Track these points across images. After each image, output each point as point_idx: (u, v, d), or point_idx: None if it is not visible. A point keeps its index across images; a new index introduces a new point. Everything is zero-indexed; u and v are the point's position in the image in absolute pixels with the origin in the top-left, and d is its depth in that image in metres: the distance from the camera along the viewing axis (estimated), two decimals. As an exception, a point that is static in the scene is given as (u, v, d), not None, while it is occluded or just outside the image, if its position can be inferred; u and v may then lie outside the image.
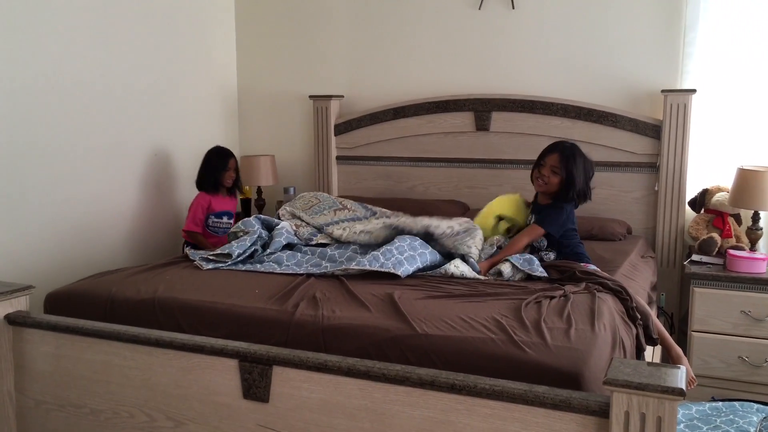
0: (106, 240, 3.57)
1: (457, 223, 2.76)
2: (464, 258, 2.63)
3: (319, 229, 3.11)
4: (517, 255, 2.62)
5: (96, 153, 3.47)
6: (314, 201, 3.36)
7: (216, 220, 3.64)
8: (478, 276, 2.56)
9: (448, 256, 2.68)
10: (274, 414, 1.93)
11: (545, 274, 2.52)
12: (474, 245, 2.66)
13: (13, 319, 2.26)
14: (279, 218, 3.24)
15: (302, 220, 3.21)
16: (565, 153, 2.75)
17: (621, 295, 2.36)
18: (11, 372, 2.30)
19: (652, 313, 2.56)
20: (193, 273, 2.63)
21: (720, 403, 2.64)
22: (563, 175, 2.71)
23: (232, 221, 3.69)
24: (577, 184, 2.72)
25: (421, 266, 2.57)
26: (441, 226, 2.72)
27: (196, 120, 4.18)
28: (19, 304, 2.31)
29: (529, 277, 2.54)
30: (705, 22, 3.43)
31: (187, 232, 3.58)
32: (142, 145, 3.78)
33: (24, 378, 2.30)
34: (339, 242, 2.96)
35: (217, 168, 3.62)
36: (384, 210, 3.34)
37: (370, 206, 3.36)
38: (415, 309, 2.12)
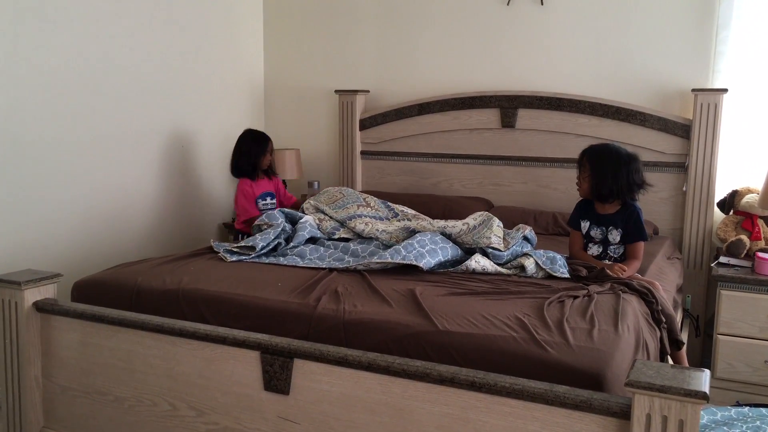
0: (134, 230, 3.62)
1: (471, 219, 2.77)
2: (485, 252, 2.62)
3: (342, 223, 3.12)
4: (541, 252, 2.59)
5: (124, 144, 3.52)
6: (338, 195, 3.38)
7: (262, 203, 3.69)
8: (500, 269, 2.55)
9: (469, 252, 2.67)
10: (294, 406, 1.94)
11: (566, 275, 2.50)
12: (493, 234, 2.63)
13: (41, 307, 2.31)
14: (303, 212, 3.26)
15: (325, 214, 3.22)
16: (586, 151, 2.72)
17: (646, 296, 2.33)
18: (39, 358, 2.35)
19: (677, 318, 2.53)
20: (217, 265, 2.66)
21: (746, 409, 2.59)
22: (590, 173, 2.68)
23: (275, 201, 3.77)
24: (606, 178, 2.64)
25: (442, 260, 2.57)
26: (457, 225, 2.74)
27: (222, 113, 4.22)
28: (47, 291, 2.36)
29: (552, 275, 2.51)
30: (738, 21, 3.37)
31: (245, 223, 3.63)
32: (170, 136, 3.82)
33: (51, 364, 2.34)
34: (361, 237, 2.97)
35: (256, 152, 3.67)
36: (406, 211, 3.33)
37: (393, 206, 3.35)
38: (436, 305, 2.12)
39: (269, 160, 3.74)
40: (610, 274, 2.48)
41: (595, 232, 2.76)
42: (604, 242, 2.75)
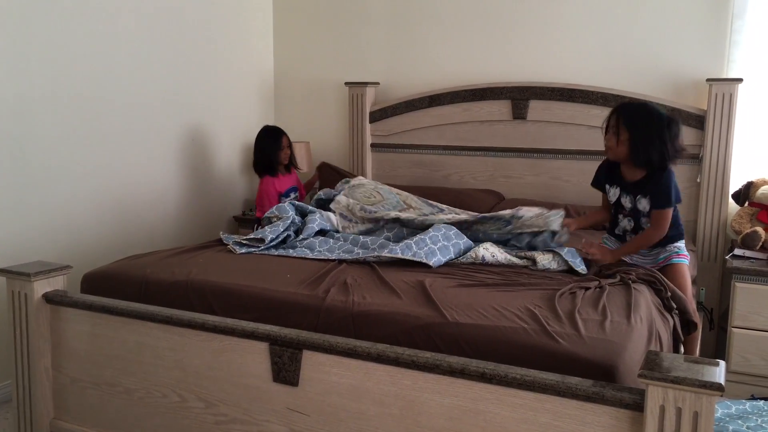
0: (143, 222, 3.63)
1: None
2: (505, 242, 2.64)
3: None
4: (565, 249, 2.55)
5: (135, 137, 3.52)
6: (377, 196, 3.22)
7: (286, 200, 3.69)
8: (511, 259, 2.53)
9: (504, 242, 2.67)
10: (303, 398, 1.93)
11: (585, 272, 2.45)
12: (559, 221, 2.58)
13: (50, 298, 2.31)
14: (336, 203, 3.13)
15: (365, 212, 3.04)
16: (622, 112, 2.42)
17: (655, 285, 2.30)
18: (48, 350, 2.35)
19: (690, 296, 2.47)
20: (227, 257, 2.65)
21: (761, 402, 2.56)
22: (629, 137, 2.38)
23: (298, 195, 3.80)
24: (647, 140, 2.36)
25: (453, 257, 2.55)
26: (526, 211, 2.65)
27: (233, 106, 4.21)
28: (56, 283, 2.36)
29: (568, 270, 2.47)
30: (753, 10, 3.32)
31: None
32: (181, 130, 3.82)
33: (61, 356, 2.35)
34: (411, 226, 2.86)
35: (272, 148, 3.71)
36: (450, 207, 3.21)
37: (434, 203, 3.24)
38: (446, 297, 2.10)
39: (287, 154, 3.76)
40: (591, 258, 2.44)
41: (625, 201, 2.51)
42: (635, 213, 2.52)
